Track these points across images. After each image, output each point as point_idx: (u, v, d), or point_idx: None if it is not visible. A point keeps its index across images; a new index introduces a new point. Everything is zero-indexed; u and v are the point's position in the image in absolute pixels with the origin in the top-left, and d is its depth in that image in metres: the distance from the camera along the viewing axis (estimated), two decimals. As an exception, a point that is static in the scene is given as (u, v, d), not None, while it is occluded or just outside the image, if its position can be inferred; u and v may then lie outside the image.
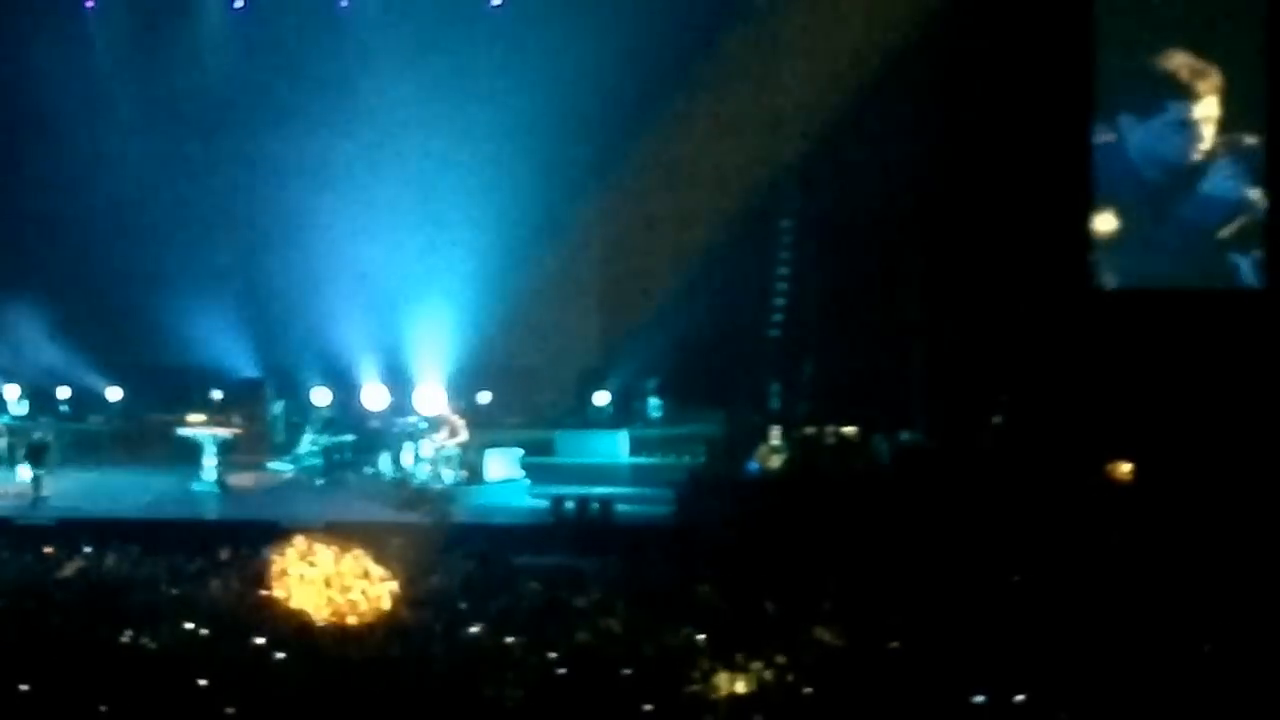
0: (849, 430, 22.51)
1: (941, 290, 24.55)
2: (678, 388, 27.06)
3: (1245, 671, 12.45)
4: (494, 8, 26.00)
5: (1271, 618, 13.95)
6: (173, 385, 26.95)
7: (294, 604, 14.76)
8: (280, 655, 13.27)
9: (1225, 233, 23.35)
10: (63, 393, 27.31)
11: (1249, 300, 23.04)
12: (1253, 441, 20.67)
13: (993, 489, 19.68)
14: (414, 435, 23.41)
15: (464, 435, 23.36)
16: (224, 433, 23.85)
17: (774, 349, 26.16)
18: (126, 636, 13.88)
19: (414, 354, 25.73)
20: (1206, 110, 23.23)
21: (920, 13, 22.85)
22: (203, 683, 12.42)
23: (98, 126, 26.56)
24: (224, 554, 17.41)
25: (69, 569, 17.11)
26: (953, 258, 24.38)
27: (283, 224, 26.46)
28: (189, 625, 14.21)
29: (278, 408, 26.87)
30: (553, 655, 13.10)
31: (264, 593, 15.16)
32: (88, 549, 17.84)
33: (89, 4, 26.59)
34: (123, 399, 27.58)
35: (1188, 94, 23.20)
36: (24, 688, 12.31)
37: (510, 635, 13.66)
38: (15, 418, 25.66)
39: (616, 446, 26.37)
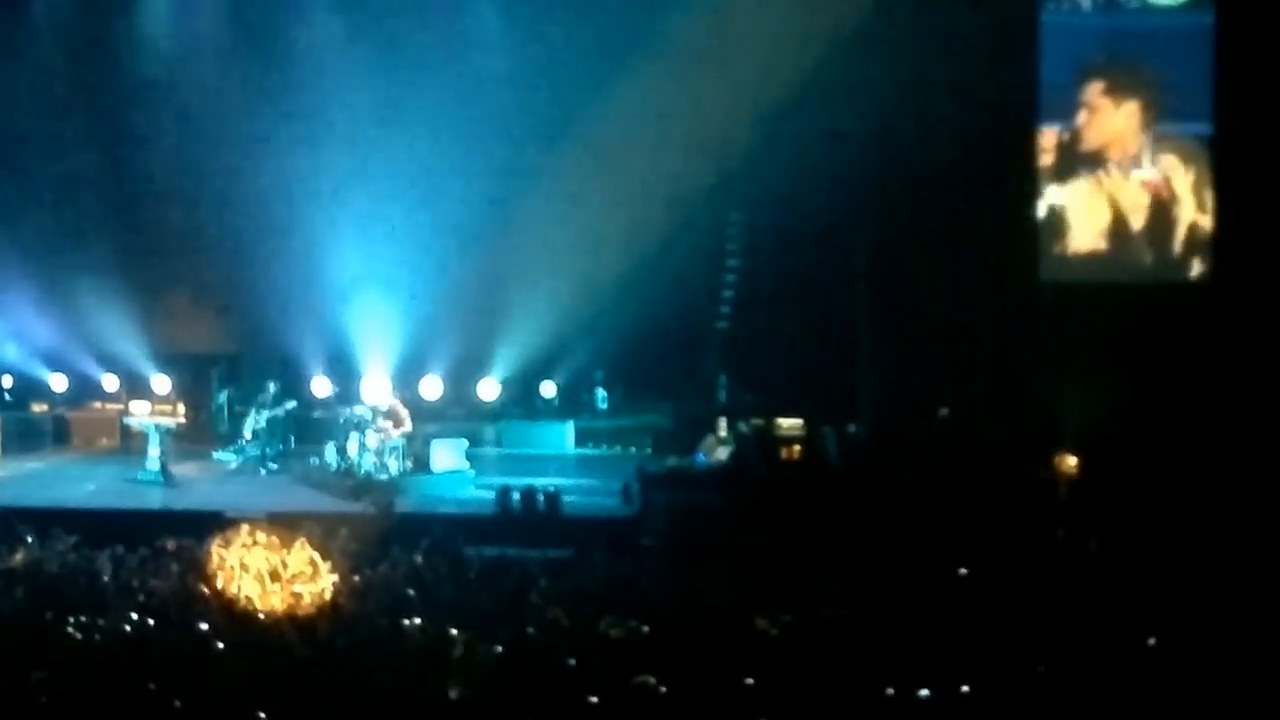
0: (796, 422, 22.54)
1: (888, 282, 24.61)
2: (624, 379, 27.07)
3: (1189, 667, 12.51)
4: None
5: (1217, 613, 14.02)
6: (117, 374, 26.84)
7: (238, 594, 14.71)
8: (223, 646, 13.19)
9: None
10: (5, 380, 27.16)
11: (1193, 294, 23.16)
12: (1198, 435, 20.78)
13: (939, 481, 19.72)
14: (359, 425, 23.27)
15: (409, 425, 23.26)
16: (168, 422, 23.68)
17: (721, 341, 26.20)
18: (69, 627, 13.77)
19: (359, 344, 25.62)
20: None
21: (865, 10, 22.88)
22: (145, 672, 12.31)
23: (42, 109, 26.33)
24: (168, 544, 17.25)
25: (11, 559, 16.96)
26: (899, 250, 24.44)
27: (228, 212, 26.32)
28: (133, 616, 14.11)
29: (222, 397, 26.70)
30: (498, 647, 13.07)
31: (208, 583, 15.08)
32: (30, 539, 17.67)
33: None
34: (67, 387, 27.43)
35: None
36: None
37: (455, 627, 13.61)
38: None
39: (562, 438, 26.38)
